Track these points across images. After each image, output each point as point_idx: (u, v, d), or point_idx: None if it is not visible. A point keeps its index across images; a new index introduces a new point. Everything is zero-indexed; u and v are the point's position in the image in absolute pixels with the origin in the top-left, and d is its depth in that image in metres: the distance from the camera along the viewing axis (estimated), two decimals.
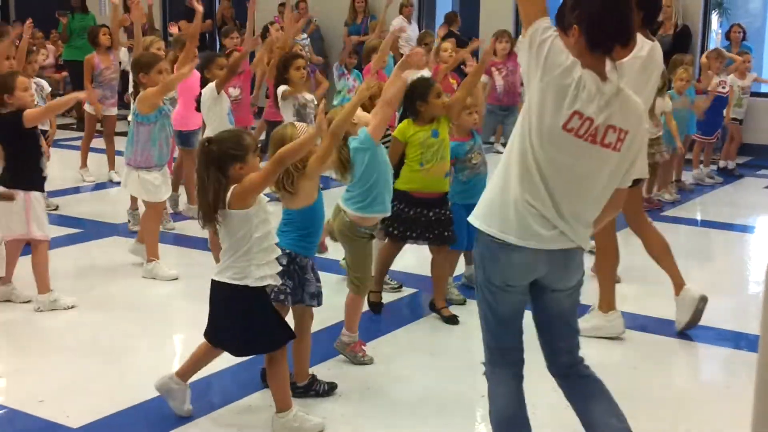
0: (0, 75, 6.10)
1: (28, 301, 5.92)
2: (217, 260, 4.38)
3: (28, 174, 5.73)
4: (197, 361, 4.35)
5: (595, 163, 3.18)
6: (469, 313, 5.95)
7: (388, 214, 5.10)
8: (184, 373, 4.34)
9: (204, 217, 4.02)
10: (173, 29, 9.84)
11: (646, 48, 4.72)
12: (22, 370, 4.93)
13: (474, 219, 3.33)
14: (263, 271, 4.06)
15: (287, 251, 4.36)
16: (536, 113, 3.14)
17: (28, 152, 5.71)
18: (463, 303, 6.03)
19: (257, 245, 4.03)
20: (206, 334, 4.25)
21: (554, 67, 3.10)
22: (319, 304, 4.53)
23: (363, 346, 5.12)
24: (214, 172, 3.96)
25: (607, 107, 3.14)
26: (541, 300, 3.44)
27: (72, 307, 5.88)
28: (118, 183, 8.51)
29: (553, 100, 3.11)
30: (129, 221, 7.72)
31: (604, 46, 3.14)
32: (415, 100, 5.59)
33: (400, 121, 5.80)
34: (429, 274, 6.45)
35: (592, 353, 5.25)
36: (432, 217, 5.65)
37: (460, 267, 6.33)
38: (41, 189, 5.88)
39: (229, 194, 3.97)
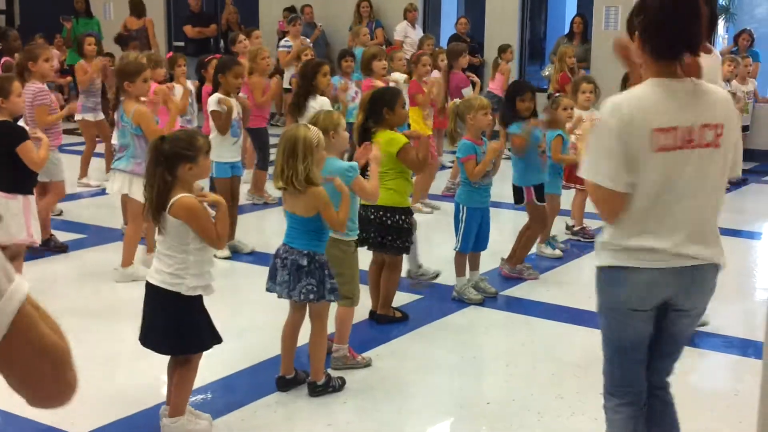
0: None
1: None
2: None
3: (24, 179, 5.77)
4: (181, 389, 4.23)
5: (702, 167, 3.11)
6: (476, 318, 5.94)
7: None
8: (176, 406, 4.23)
9: (150, 213, 4.07)
10: None
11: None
12: None
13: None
14: (196, 281, 4.07)
15: (305, 252, 4.44)
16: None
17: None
18: (480, 302, 6.14)
19: (193, 255, 4.06)
20: (140, 337, 4.22)
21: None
22: (337, 298, 4.61)
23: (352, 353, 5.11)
24: (161, 171, 4.02)
25: (689, 107, 3.08)
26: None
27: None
28: None
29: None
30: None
31: (667, 53, 3.08)
32: (383, 107, 5.55)
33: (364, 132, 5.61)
34: (435, 281, 6.44)
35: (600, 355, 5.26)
36: (402, 225, 5.64)
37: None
38: (32, 192, 5.89)
39: (174, 200, 3.99)
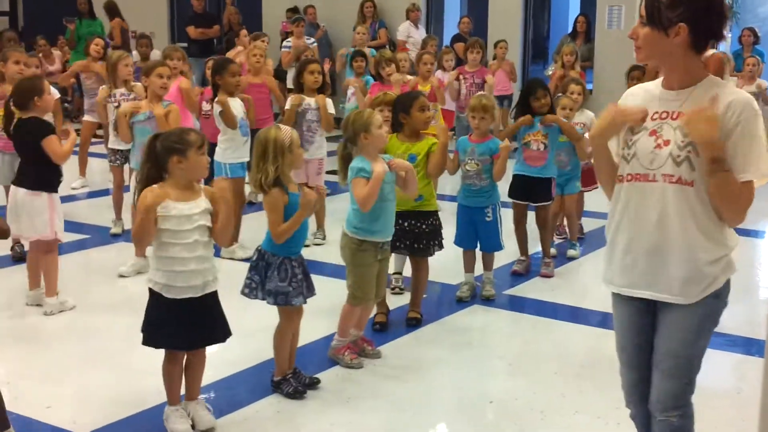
0: (28, 78, 6.19)
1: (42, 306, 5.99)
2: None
3: (49, 176, 5.85)
4: (164, 378, 4.30)
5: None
6: (480, 317, 5.94)
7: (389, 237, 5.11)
8: (167, 395, 4.31)
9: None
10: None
11: None
12: (29, 376, 4.92)
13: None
14: (157, 278, 4.13)
15: (259, 248, 4.57)
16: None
17: (49, 156, 5.80)
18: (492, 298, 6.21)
19: (156, 249, 4.14)
20: None
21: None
22: (279, 303, 4.54)
23: (351, 350, 5.11)
24: (149, 168, 4.12)
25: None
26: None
27: (74, 307, 6.01)
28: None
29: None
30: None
31: (706, 42, 3.03)
32: (398, 112, 5.56)
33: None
34: (436, 280, 6.44)
35: (606, 353, 5.25)
36: (406, 228, 5.63)
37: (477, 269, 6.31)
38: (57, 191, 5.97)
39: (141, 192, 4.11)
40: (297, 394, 4.64)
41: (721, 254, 3.13)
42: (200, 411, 4.34)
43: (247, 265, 4.66)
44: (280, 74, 13.16)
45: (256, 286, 4.53)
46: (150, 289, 4.18)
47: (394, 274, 6.24)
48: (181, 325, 4.16)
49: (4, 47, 9.87)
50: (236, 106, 7.13)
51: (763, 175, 3.03)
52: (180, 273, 4.10)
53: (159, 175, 4.11)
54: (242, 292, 4.57)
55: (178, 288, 4.11)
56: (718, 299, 3.18)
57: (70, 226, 8.12)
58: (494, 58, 12.03)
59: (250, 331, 5.33)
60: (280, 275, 4.49)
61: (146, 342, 4.24)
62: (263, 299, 4.56)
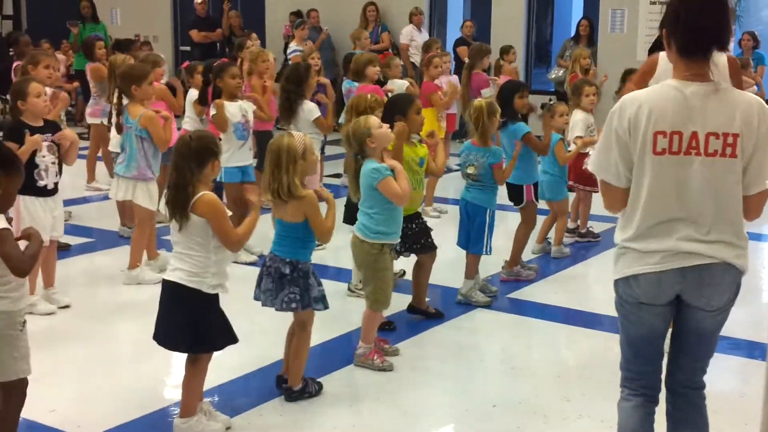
0: (17, 81, 6.14)
1: (66, 306, 6.03)
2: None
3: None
4: (190, 389, 4.27)
5: (707, 174, 3.08)
6: (483, 320, 5.94)
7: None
8: (186, 407, 4.26)
9: (177, 210, 4.07)
10: None
11: None
12: (33, 380, 4.90)
13: None
14: (216, 280, 4.13)
15: (288, 260, 4.44)
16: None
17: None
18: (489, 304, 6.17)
19: (214, 254, 4.11)
20: (154, 336, 4.26)
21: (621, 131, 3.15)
22: (326, 307, 4.56)
23: (379, 354, 5.11)
24: (195, 166, 4.06)
25: (699, 113, 3.07)
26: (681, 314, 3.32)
27: (51, 313, 5.93)
28: None
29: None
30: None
31: (692, 50, 3.09)
32: (395, 115, 5.53)
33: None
34: (439, 283, 6.44)
35: (609, 356, 5.25)
36: (415, 229, 5.65)
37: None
38: (38, 194, 5.78)
39: (197, 197, 4.05)
40: (320, 389, 4.72)
41: None
42: (214, 412, 4.36)
43: (248, 269, 4.66)
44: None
45: (300, 298, 4.46)
46: (201, 294, 4.11)
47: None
48: (224, 321, 4.21)
49: (24, 51, 9.86)
50: (234, 111, 7.04)
51: (591, 168, 3.34)
52: (224, 271, 4.19)
53: (194, 176, 4.08)
54: (290, 309, 4.49)
55: (225, 285, 4.20)
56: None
57: (77, 229, 8.16)
58: (498, 64, 12.01)
59: (252, 336, 5.34)
60: (316, 280, 4.51)
61: (206, 348, 4.21)
62: (315, 308, 4.53)
